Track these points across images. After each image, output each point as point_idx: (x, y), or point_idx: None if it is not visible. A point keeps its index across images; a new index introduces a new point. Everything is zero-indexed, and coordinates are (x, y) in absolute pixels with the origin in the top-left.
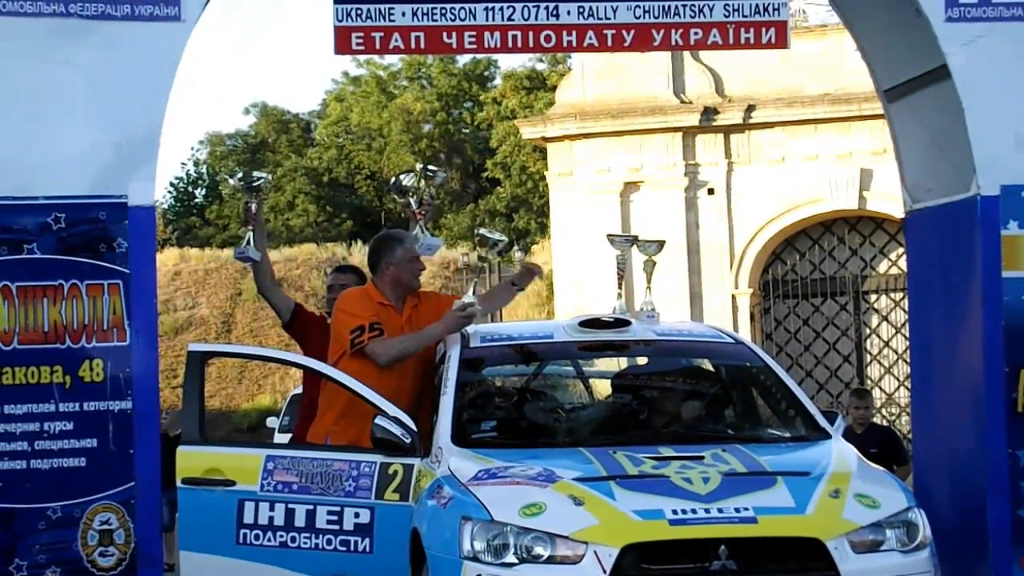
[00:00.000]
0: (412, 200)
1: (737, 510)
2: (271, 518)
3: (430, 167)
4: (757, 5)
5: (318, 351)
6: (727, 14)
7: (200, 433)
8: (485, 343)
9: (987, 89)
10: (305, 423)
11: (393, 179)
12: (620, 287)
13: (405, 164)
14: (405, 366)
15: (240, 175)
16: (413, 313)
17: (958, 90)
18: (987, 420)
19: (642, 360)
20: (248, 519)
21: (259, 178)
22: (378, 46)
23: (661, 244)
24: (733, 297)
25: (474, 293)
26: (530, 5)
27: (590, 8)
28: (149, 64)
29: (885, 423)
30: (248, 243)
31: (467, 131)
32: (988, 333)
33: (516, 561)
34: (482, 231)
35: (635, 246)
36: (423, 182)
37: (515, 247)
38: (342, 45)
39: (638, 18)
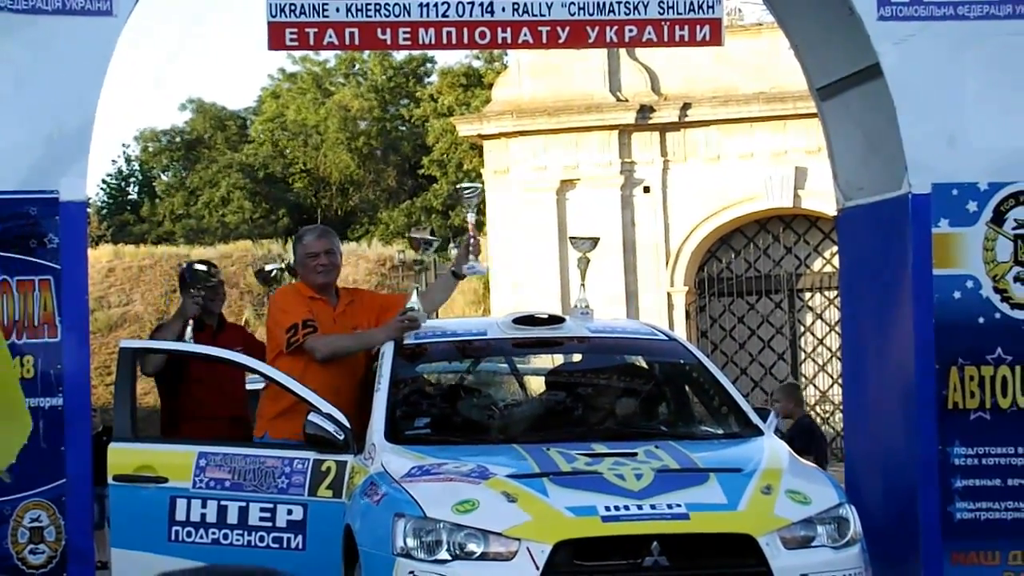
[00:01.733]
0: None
1: (669, 506)
2: (203, 515)
3: (426, 238)
4: (692, 3)
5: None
6: (662, 11)
7: (132, 430)
8: (419, 339)
9: (919, 88)
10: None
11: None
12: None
13: (341, 162)
14: (345, 364)
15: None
16: (347, 309)
17: (890, 89)
18: (918, 417)
19: (576, 357)
20: (180, 516)
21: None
22: (312, 42)
23: (595, 241)
24: (668, 295)
25: (416, 297)
26: (465, 2)
27: (525, 4)
28: (80, 59)
29: (819, 420)
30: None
31: (404, 128)
32: (919, 330)
33: (449, 558)
34: (412, 233)
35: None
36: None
37: (451, 244)
38: (276, 41)
39: (573, 15)
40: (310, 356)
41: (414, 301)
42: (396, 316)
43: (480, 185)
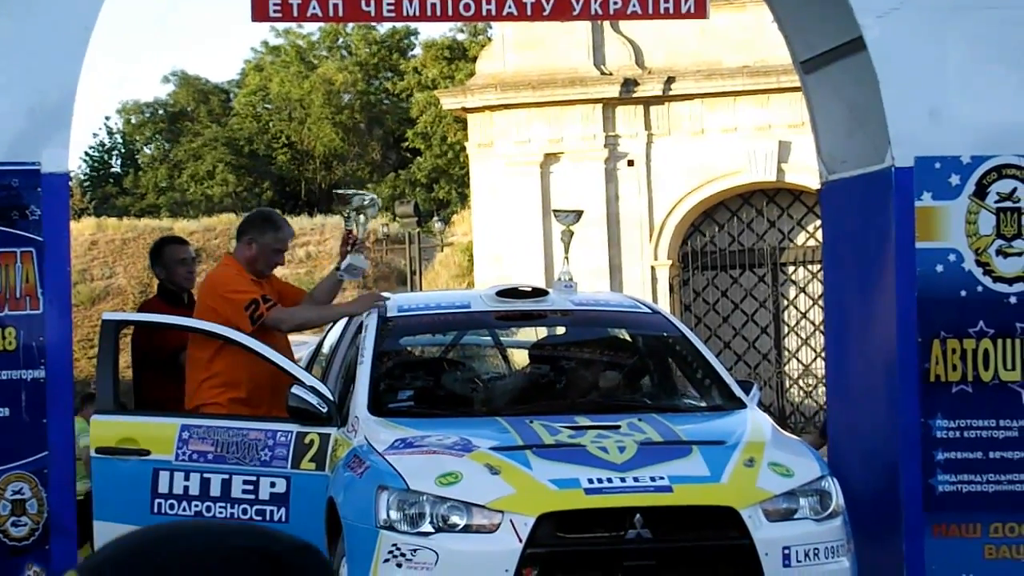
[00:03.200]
0: (355, 224)
1: (652, 479)
2: (186, 488)
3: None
4: None
5: None
6: None
7: (115, 402)
8: (403, 312)
9: (902, 61)
10: None
11: (347, 196)
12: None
13: (325, 136)
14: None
15: (351, 195)
16: (268, 291)
17: (873, 62)
18: (900, 390)
19: (560, 330)
20: (163, 488)
21: (370, 201)
22: (295, 13)
23: (579, 214)
24: (652, 269)
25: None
26: None
27: None
28: (63, 30)
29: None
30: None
31: (388, 101)
32: (901, 304)
33: (432, 530)
34: (339, 190)
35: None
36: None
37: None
38: (259, 12)
39: None
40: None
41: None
42: (368, 293)
43: (372, 196)
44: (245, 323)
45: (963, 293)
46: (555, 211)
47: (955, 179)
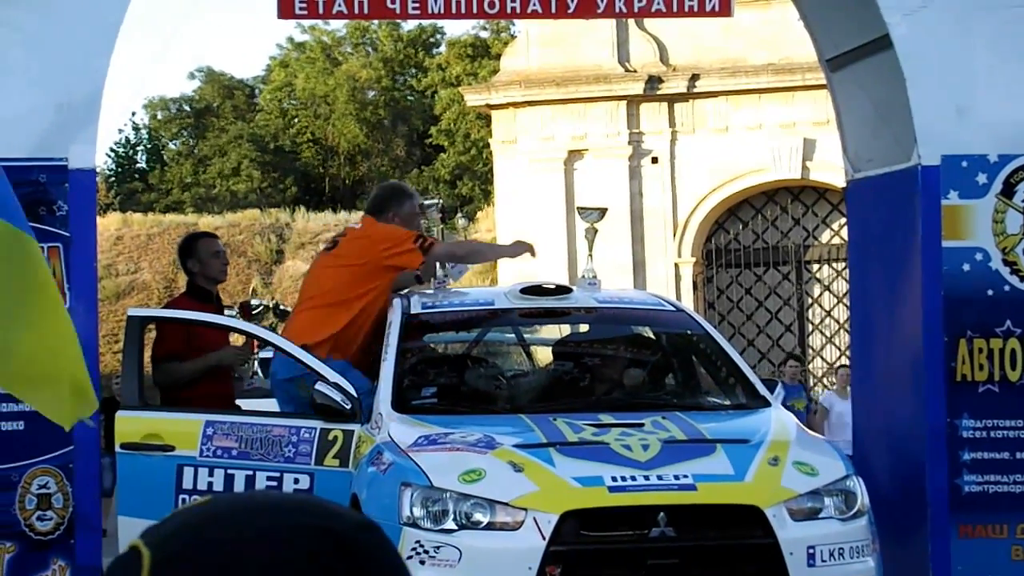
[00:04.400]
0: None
1: (676, 477)
2: (210, 483)
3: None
4: None
5: None
6: None
7: (140, 398)
8: (426, 309)
9: (929, 59)
10: None
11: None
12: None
13: (350, 132)
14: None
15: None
16: None
17: (900, 60)
18: (926, 389)
19: (583, 328)
20: (187, 484)
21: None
22: (321, 10)
23: (603, 212)
24: (676, 266)
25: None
26: None
27: None
28: (90, 26)
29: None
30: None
31: (412, 98)
32: (928, 302)
33: (455, 527)
34: (424, 203)
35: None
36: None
37: (458, 215)
38: (285, 10)
39: None
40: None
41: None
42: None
43: (438, 200)
44: (416, 256)
45: (990, 292)
46: (579, 208)
47: (982, 178)
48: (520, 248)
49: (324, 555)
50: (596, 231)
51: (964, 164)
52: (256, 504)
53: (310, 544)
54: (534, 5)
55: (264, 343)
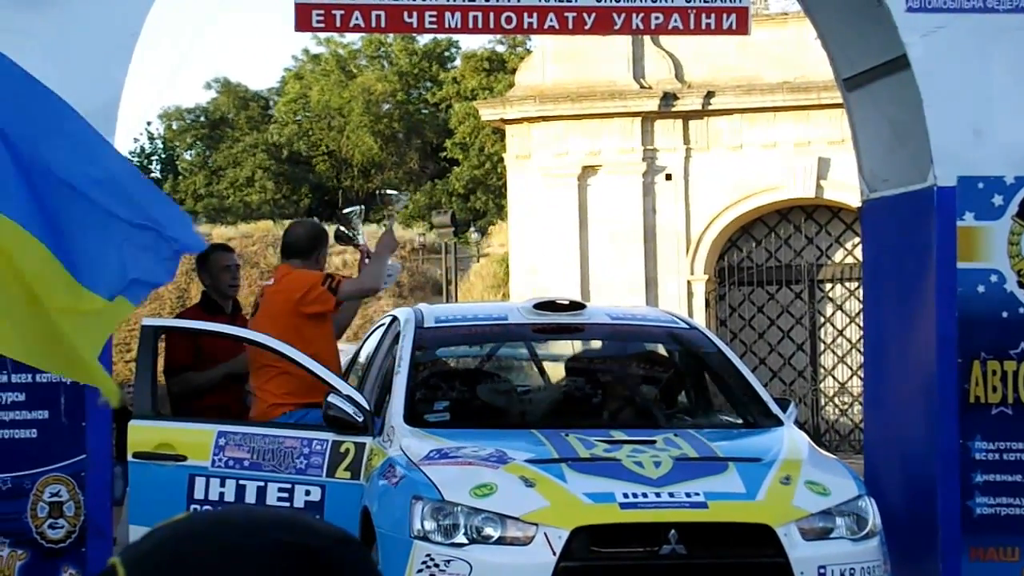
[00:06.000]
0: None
1: (688, 495)
2: (222, 494)
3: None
4: None
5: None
6: None
7: (152, 407)
8: (439, 323)
9: (946, 80)
10: None
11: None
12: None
13: (364, 144)
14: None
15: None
16: None
17: (917, 81)
18: (939, 411)
19: (596, 344)
20: (199, 494)
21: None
22: (338, 23)
23: (362, 210)
24: (688, 283)
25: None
26: None
27: None
28: (108, 36)
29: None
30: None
31: (426, 111)
32: (942, 324)
33: (466, 541)
34: (342, 212)
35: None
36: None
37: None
38: (302, 22)
39: (599, 1)
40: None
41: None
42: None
43: (359, 207)
44: (329, 297)
45: (1004, 314)
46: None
47: (998, 199)
48: (387, 244)
49: (300, 572)
50: (360, 215)
51: (980, 185)
52: (233, 521)
53: (286, 561)
54: (551, 21)
55: (279, 355)
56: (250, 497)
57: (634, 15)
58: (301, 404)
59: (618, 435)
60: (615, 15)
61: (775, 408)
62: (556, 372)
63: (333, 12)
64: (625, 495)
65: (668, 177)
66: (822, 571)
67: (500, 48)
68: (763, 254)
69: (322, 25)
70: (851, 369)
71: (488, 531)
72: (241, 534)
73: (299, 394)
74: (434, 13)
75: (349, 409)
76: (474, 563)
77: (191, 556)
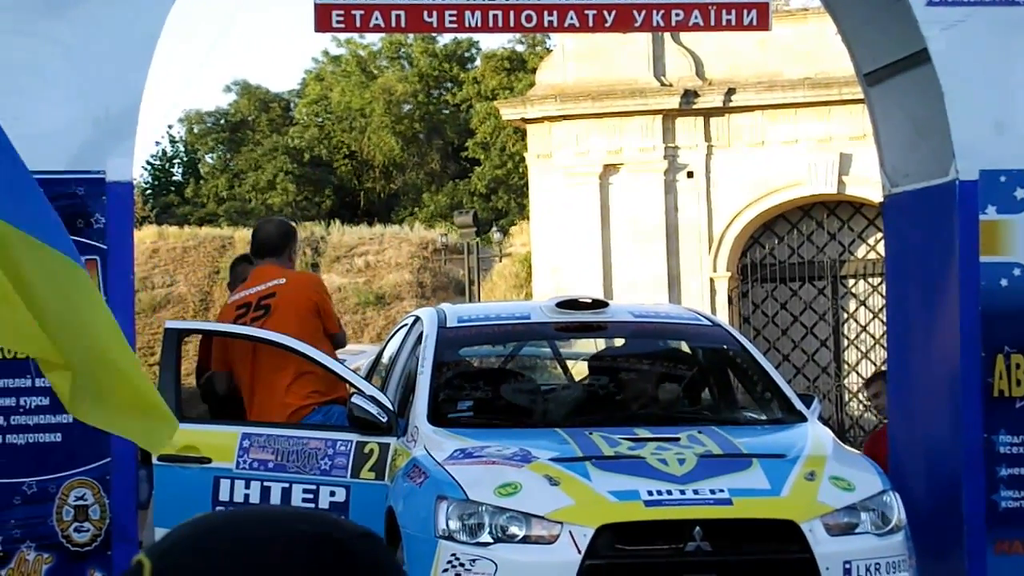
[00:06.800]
0: None
1: (712, 492)
2: (247, 496)
3: None
4: None
5: None
6: None
7: (176, 410)
8: (462, 323)
9: (967, 74)
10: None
11: None
12: None
13: (385, 145)
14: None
15: None
16: None
17: (938, 74)
18: (963, 405)
19: (619, 342)
20: (224, 496)
21: None
22: (358, 24)
23: None
24: (711, 280)
25: None
26: None
27: None
28: (128, 40)
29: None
30: None
31: (447, 112)
32: (965, 318)
33: (491, 540)
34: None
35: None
36: None
37: (493, 228)
38: (322, 23)
39: None
40: None
41: None
42: None
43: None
44: (335, 326)
45: None
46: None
47: (1020, 193)
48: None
49: (323, 562)
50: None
51: (1002, 179)
52: (255, 516)
53: (309, 551)
54: (571, 19)
55: (304, 357)
56: (275, 498)
57: (654, 12)
58: (324, 401)
59: (642, 433)
60: (635, 12)
61: (799, 404)
62: (579, 371)
63: (353, 12)
64: (650, 492)
65: (690, 175)
66: (847, 566)
67: (520, 48)
68: (785, 251)
69: (342, 25)
70: (875, 364)
71: (513, 530)
72: (263, 526)
73: (322, 392)
74: (454, 12)
75: (373, 410)
76: (499, 562)
77: (215, 548)
